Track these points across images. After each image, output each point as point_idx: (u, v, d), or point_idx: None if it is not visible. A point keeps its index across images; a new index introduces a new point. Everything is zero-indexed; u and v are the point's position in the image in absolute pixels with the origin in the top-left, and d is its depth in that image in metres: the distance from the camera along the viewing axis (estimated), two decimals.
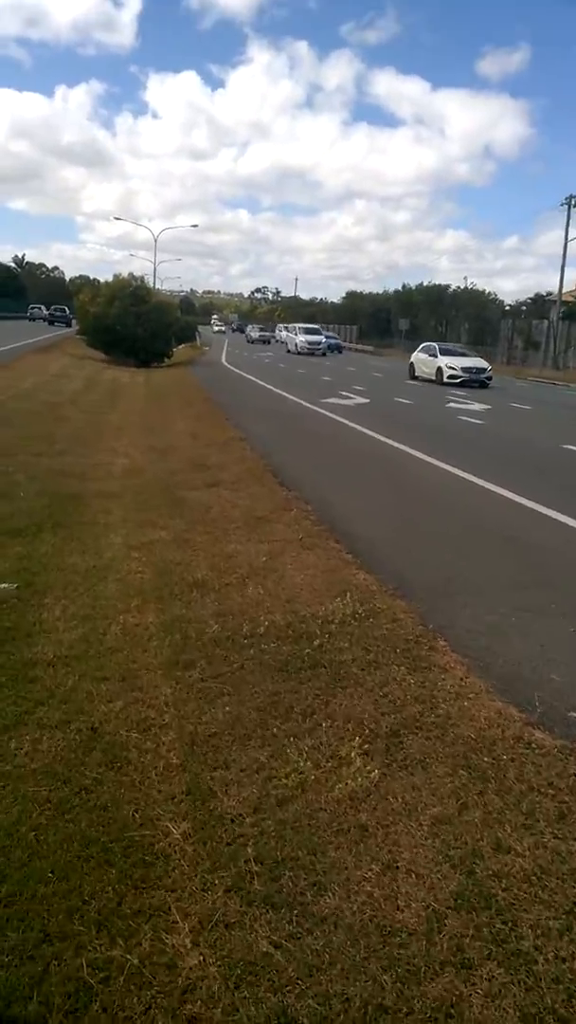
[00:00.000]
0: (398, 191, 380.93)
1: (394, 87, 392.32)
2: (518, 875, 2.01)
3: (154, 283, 45.20)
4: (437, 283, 66.91)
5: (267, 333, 64.25)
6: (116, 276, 29.46)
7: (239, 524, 5.44)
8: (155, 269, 57.33)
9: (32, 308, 69.95)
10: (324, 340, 43.66)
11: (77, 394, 14.23)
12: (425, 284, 66.51)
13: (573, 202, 40.46)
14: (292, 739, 2.61)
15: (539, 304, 56.08)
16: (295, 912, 1.85)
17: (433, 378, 24.49)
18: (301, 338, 42.27)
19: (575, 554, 5.36)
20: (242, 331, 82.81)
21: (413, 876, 2.01)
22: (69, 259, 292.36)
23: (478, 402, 17.98)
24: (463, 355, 26.26)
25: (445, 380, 23.65)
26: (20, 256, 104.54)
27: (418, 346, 28.02)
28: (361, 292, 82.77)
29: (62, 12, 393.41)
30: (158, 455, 8.20)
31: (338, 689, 3.00)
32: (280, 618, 3.68)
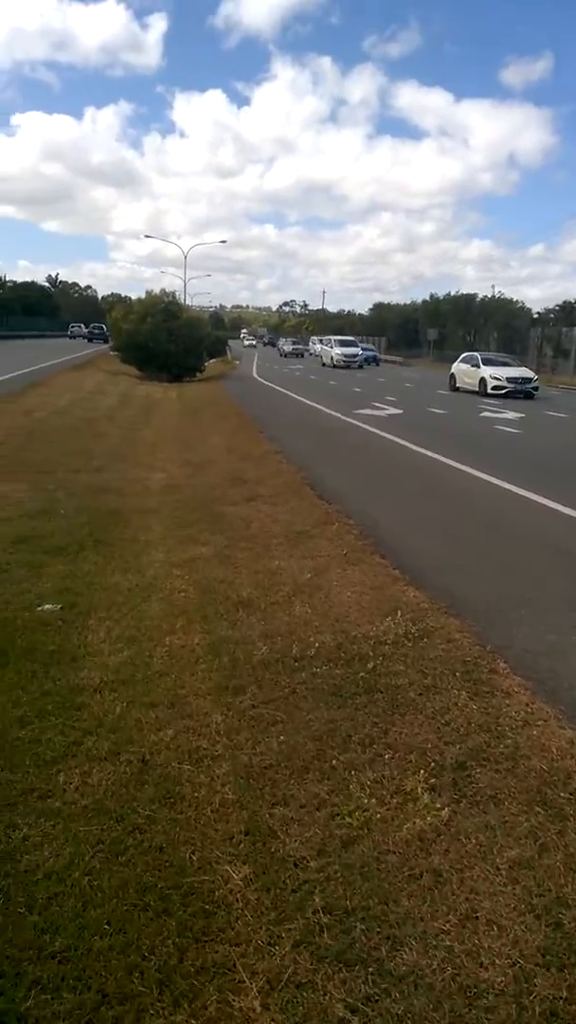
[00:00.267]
0: (423, 202, 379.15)
1: (417, 99, 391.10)
2: None
3: (184, 299, 45.45)
4: (464, 292, 66.44)
5: (300, 346, 63.01)
6: (148, 293, 29.59)
7: (280, 539, 5.31)
8: (185, 285, 57.86)
9: (72, 327, 70.69)
10: (360, 352, 42.61)
11: (112, 410, 14.31)
12: (452, 294, 66.06)
13: None
14: (353, 772, 2.46)
15: (568, 312, 55.32)
16: (370, 970, 1.70)
17: (476, 389, 23.13)
18: (337, 351, 41.19)
19: None
20: (273, 344, 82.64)
21: (495, 928, 1.84)
22: (101, 277, 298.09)
23: (512, 411, 17.66)
24: (506, 364, 24.64)
25: (489, 391, 22.31)
26: (54, 275, 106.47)
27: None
28: (389, 303, 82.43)
29: (90, 35, 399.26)
30: (195, 470, 8.13)
31: (397, 716, 2.84)
32: (330, 639, 3.54)
